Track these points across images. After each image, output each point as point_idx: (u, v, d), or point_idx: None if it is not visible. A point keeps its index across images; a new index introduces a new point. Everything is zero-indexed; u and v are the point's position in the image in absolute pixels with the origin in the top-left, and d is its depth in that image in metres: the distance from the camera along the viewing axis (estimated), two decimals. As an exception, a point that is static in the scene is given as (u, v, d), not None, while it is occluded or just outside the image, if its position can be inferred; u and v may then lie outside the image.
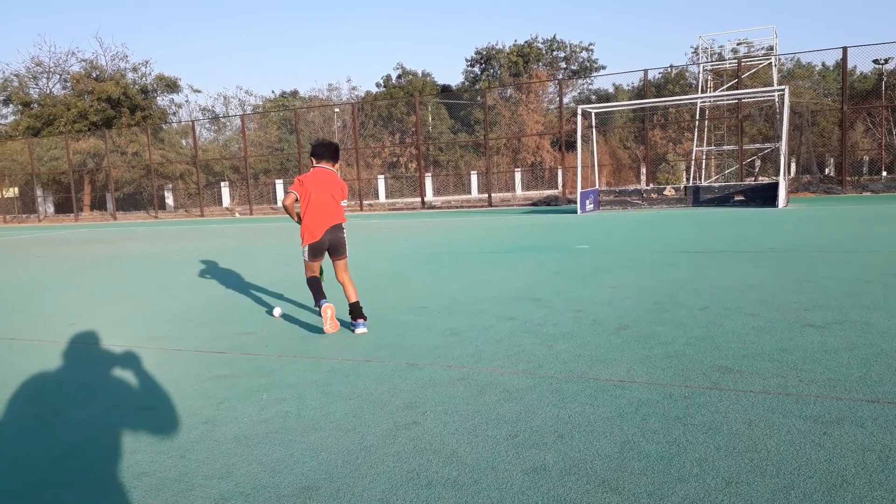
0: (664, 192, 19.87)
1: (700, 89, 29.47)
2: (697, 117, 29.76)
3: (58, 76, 44.55)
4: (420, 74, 51.59)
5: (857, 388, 3.23)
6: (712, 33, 47.61)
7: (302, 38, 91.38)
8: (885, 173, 29.63)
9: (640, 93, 35.98)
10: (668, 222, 13.89)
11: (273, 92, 53.66)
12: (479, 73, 51.25)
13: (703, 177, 29.97)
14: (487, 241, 11.89)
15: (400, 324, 5.24)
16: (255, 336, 5.10)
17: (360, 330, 5.03)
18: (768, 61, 28.67)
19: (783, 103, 18.06)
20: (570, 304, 5.60)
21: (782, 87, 18.83)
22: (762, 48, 30.78)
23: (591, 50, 50.51)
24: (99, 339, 5.25)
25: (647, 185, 25.57)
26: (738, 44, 32.47)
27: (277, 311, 5.91)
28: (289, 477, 2.60)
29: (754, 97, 24.85)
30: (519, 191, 38.63)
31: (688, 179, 31.07)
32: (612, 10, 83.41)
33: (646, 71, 26.70)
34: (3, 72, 51.93)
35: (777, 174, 18.53)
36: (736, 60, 29.39)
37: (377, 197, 38.83)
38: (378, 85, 52.30)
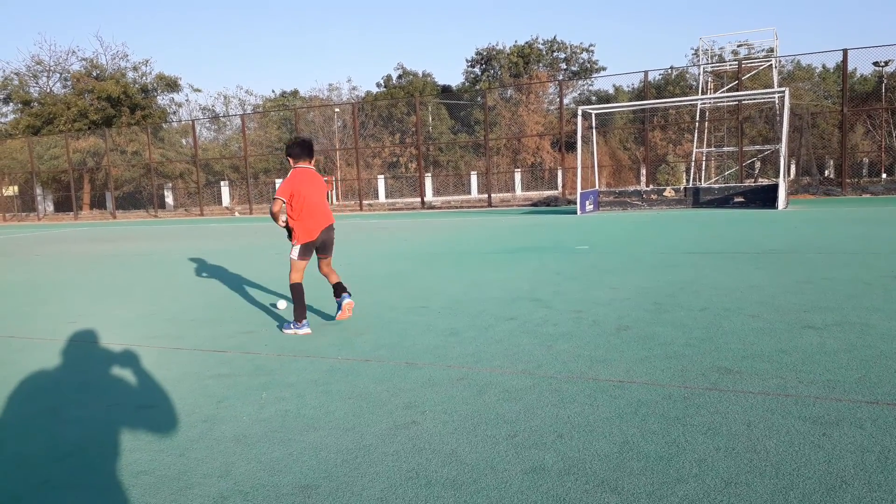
0: (664, 194, 19.88)
1: (700, 91, 29.49)
2: (697, 119, 29.77)
3: (58, 75, 44.58)
4: (420, 75, 51.61)
5: (856, 390, 3.23)
6: (713, 35, 47.56)
7: (302, 37, 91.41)
8: (884, 175, 29.63)
9: (640, 94, 36.00)
10: (667, 223, 13.90)
11: (273, 91, 53.73)
12: (479, 73, 51.27)
13: (702, 178, 29.99)
14: (487, 241, 11.89)
15: (400, 323, 5.24)
16: (255, 335, 5.10)
17: (348, 301, 5.20)
18: (769, 63, 28.70)
19: (783, 105, 18.06)
20: (570, 305, 5.60)
21: (782, 88, 18.84)
22: (762, 50, 30.79)
23: (592, 51, 50.54)
24: (98, 337, 5.25)
25: (647, 186, 25.58)
26: (738, 45, 32.52)
27: (282, 304, 6.03)
28: (288, 476, 2.60)
29: (754, 99, 24.86)
30: (519, 191, 38.64)
31: (688, 181, 31.08)
32: (612, 12, 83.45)
33: (646, 72, 26.74)
34: (4, 70, 51.95)
35: (777, 176, 18.54)
36: (736, 62, 29.39)
37: (377, 197, 38.83)
38: (378, 85, 52.34)
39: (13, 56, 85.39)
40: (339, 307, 5.21)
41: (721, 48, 34.45)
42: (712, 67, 30.35)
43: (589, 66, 50.73)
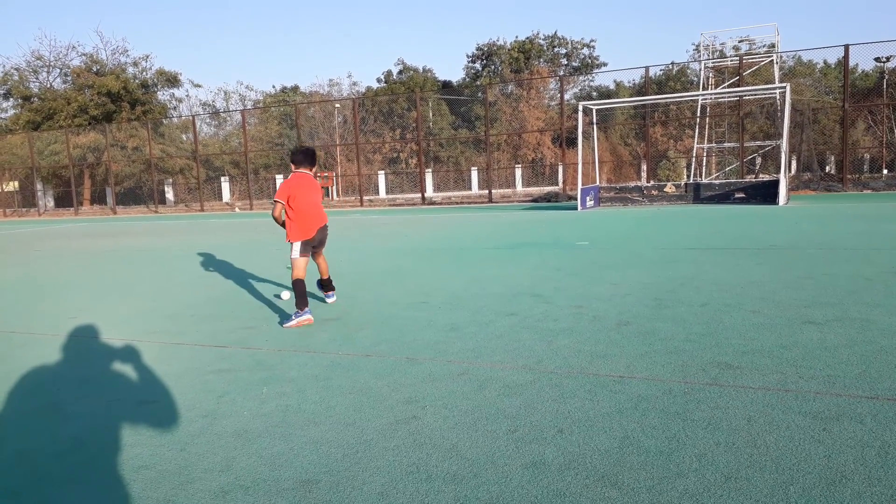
0: (665, 189, 19.87)
1: (701, 86, 29.44)
2: (698, 114, 29.74)
3: (58, 70, 44.56)
4: (421, 70, 51.57)
5: (856, 385, 3.24)
6: (714, 30, 47.55)
7: (303, 33, 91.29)
8: (885, 171, 29.62)
9: (641, 90, 35.95)
10: (668, 219, 13.89)
11: (273, 87, 53.67)
12: (480, 69, 51.19)
13: (703, 174, 29.98)
14: (488, 237, 11.89)
15: (400, 319, 5.24)
16: (256, 330, 5.11)
17: (332, 300, 6.01)
18: (770, 59, 28.64)
19: (784, 101, 18.03)
20: (571, 300, 5.60)
21: (783, 84, 18.81)
22: (764, 46, 30.73)
23: (593, 46, 50.48)
24: (99, 332, 5.26)
25: (648, 181, 25.56)
26: (739, 41, 32.42)
27: (285, 295, 6.16)
28: (289, 470, 2.61)
29: (755, 95, 24.84)
30: (519, 187, 38.63)
31: (688, 176, 31.07)
32: (613, 7, 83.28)
33: (647, 68, 26.67)
34: (4, 66, 51.91)
35: (778, 172, 18.52)
36: (737, 58, 29.34)
37: (377, 192, 38.84)
38: (379, 80, 52.28)
39: (13, 51, 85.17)
40: (325, 299, 6.05)
41: (722, 44, 34.34)
42: (713, 63, 30.29)
43: (590, 61, 50.65)
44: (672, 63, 41.29)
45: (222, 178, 40.83)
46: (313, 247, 5.58)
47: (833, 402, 3.04)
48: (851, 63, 24.03)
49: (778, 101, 25.33)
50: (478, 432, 2.89)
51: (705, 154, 30.25)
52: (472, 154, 43.07)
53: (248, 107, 47.60)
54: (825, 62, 42.99)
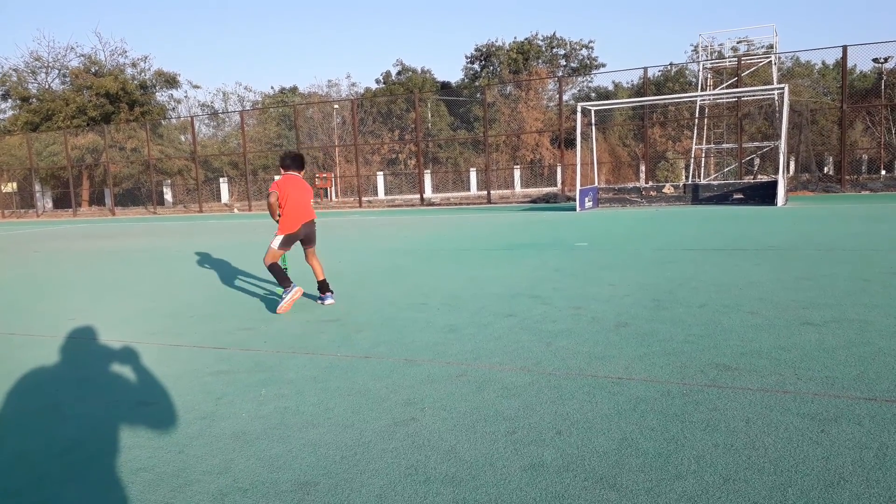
0: (663, 190, 19.88)
1: (700, 87, 29.47)
2: (697, 115, 29.77)
3: (56, 71, 44.53)
4: (420, 71, 51.58)
5: (854, 386, 3.24)
6: (712, 31, 47.63)
7: (301, 34, 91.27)
8: (883, 172, 29.67)
9: (639, 90, 35.96)
10: (667, 220, 13.90)
11: (272, 88, 53.66)
12: (478, 70, 51.22)
13: (702, 175, 29.99)
14: (487, 237, 11.89)
15: (399, 320, 5.24)
16: (254, 331, 5.11)
17: (329, 301, 6.01)
18: (768, 60, 28.67)
19: (783, 102, 18.05)
20: (569, 302, 5.60)
21: (782, 85, 18.83)
22: (762, 46, 30.77)
23: (591, 47, 50.54)
24: (98, 334, 5.25)
25: (647, 182, 25.57)
26: (737, 42, 32.45)
27: (328, 301, 6.16)
28: (287, 472, 2.61)
29: (754, 95, 24.86)
30: (518, 188, 38.65)
31: (687, 177, 31.08)
32: (612, 8, 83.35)
33: (645, 69, 26.69)
34: (2, 66, 51.78)
35: (776, 172, 18.53)
36: (736, 59, 29.38)
37: (376, 194, 38.83)
38: (378, 81, 52.31)
39: (12, 52, 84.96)
40: (322, 301, 6.03)
41: (720, 45, 34.41)
42: (712, 64, 30.32)
43: (588, 62, 50.69)
44: (670, 64, 41.33)
45: (221, 179, 40.81)
46: (303, 242, 6.02)
47: (831, 403, 3.04)
48: (849, 64, 24.09)
49: (776, 102, 25.35)
50: (476, 434, 2.89)
51: (704, 155, 30.27)
52: (470, 155, 43.09)
53: (247, 108, 47.59)
54: (823, 63, 43.10)
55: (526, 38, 49.50)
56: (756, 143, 30.52)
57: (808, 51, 60.43)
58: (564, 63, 51.07)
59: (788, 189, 20.07)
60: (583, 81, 48.97)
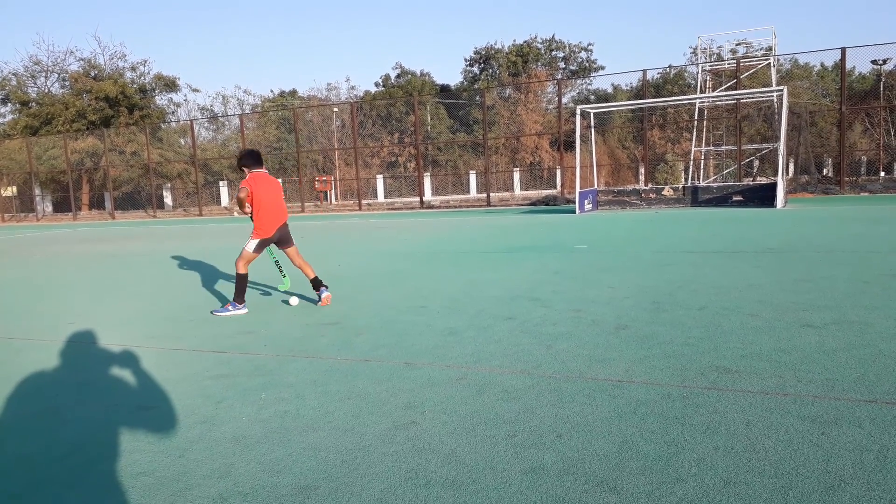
0: (663, 192, 19.89)
1: (699, 89, 29.51)
2: (696, 117, 29.79)
3: (56, 75, 44.51)
4: (419, 74, 51.61)
5: (854, 389, 3.24)
6: (711, 33, 47.59)
7: (300, 37, 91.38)
8: (882, 174, 29.67)
9: (638, 93, 35.99)
10: (666, 222, 13.91)
11: (272, 91, 53.66)
12: (477, 72, 51.26)
13: (701, 177, 30.01)
14: (486, 240, 11.89)
15: (399, 323, 5.24)
16: (254, 335, 5.10)
17: (326, 294, 6.05)
18: (767, 62, 28.71)
19: (782, 104, 18.07)
20: (569, 304, 5.60)
21: (781, 87, 18.85)
22: (761, 49, 30.82)
23: (590, 50, 50.55)
24: (98, 338, 5.25)
25: (646, 185, 25.59)
26: (736, 44, 32.53)
27: (294, 301, 6.23)
28: (287, 476, 2.60)
29: (753, 97, 24.87)
30: (517, 190, 38.65)
31: (686, 179, 31.10)
32: (611, 11, 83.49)
33: (644, 71, 26.73)
34: (2, 70, 51.82)
35: (775, 174, 18.55)
36: (734, 61, 29.42)
37: (376, 196, 38.84)
38: (377, 84, 52.34)
39: (11, 56, 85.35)
40: (320, 298, 6.04)
41: (719, 47, 34.46)
42: (710, 66, 30.36)
43: (587, 65, 50.75)
44: (669, 66, 41.31)
45: (221, 183, 40.81)
46: (280, 244, 6.11)
47: (831, 405, 3.04)
48: (848, 66, 24.11)
49: (775, 104, 25.37)
50: (477, 437, 2.89)
51: (703, 157, 30.30)
52: (470, 158, 43.10)
53: (247, 111, 47.59)
54: (822, 65, 43.13)
55: (525, 41, 49.56)
56: (755, 145, 30.55)
57: (807, 53, 60.57)
58: (563, 65, 51.13)
59: (788, 191, 20.09)
60: (582, 84, 49.04)
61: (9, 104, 44.47)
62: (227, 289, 7.48)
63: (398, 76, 51.55)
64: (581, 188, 19.54)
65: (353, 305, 6.09)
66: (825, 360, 3.71)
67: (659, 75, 41.21)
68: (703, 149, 29.73)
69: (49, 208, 42.70)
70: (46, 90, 44.11)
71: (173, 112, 46.82)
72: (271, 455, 2.81)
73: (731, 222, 12.99)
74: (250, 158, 5.94)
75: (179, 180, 40.36)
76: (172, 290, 7.77)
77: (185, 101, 63.36)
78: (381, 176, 40.47)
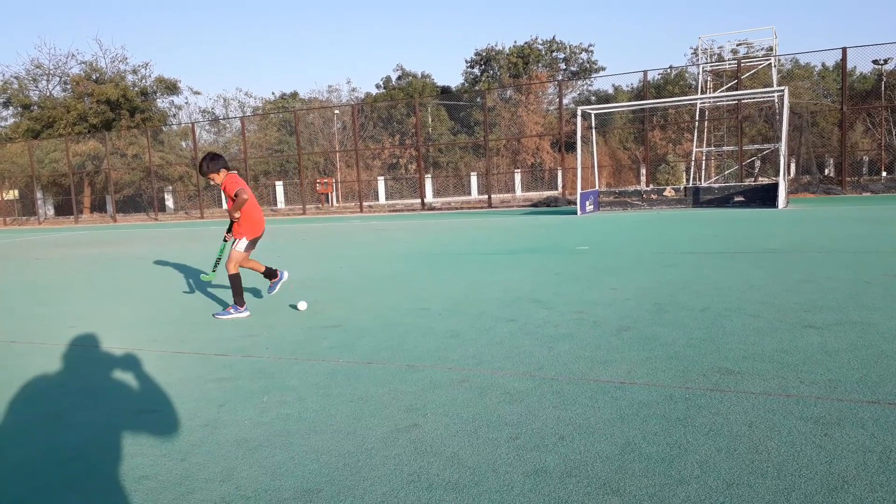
0: (664, 193, 19.88)
1: (700, 90, 29.51)
2: (697, 118, 29.79)
3: (57, 78, 44.62)
4: (420, 76, 51.66)
5: (857, 390, 3.23)
6: (712, 34, 47.59)
7: (301, 39, 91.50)
8: (884, 174, 29.64)
9: (639, 94, 36.01)
10: (668, 223, 13.90)
11: (273, 94, 53.71)
12: (478, 74, 51.30)
13: (702, 177, 30.00)
14: (488, 242, 11.89)
15: (401, 326, 5.24)
16: (256, 338, 5.10)
17: (285, 277, 6.27)
18: (768, 62, 28.72)
19: (783, 104, 18.06)
20: (571, 306, 5.60)
21: (782, 87, 18.84)
22: (762, 49, 30.82)
23: (591, 51, 50.60)
24: (100, 341, 5.25)
25: (647, 185, 25.58)
26: (737, 45, 32.52)
27: (302, 305, 6.11)
28: (290, 480, 2.60)
29: (754, 98, 24.86)
30: (519, 192, 38.65)
31: (688, 180, 31.09)
32: (611, 12, 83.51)
33: (645, 72, 26.74)
34: (3, 74, 51.99)
35: (777, 175, 18.54)
36: (735, 61, 29.41)
37: (377, 198, 38.87)
38: (378, 86, 52.40)
39: (13, 60, 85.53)
40: (276, 282, 6.19)
41: (720, 47, 34.46)
42: (711, 67, 30.37)
43: (588, 66, 50.77)
44: (670, 67, 41.34)
45: (222, 185, 40.76)
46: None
47: (834, 406, 3.04)
48: (849, 65, 24.10)
49: (776, 105, 25.37)
50: (479, 440, 2.89)
51: (704, 157, 30.29)
52: (471, 159, 43.12)
53: (248, 114, 47.66)
54: (823, 65, 43.09)
55: (526, 42, 49.59)
56: (756, 146, 30.55)
57: (808, 53, 60.56)
58: (564, 67, 51.15)
59: (789, 191, 20.06)
60: (583, 85, 49.07)
61: (10, 108, 44.58)
62: (229, 292, 7.48)
63: (399, 78, 51.61)
64: (582, 189, 19.54)
65: (355, 308, 6.09)
66: (828, 361, 3.70)
67: (660, 76, 41.23)
68: (705, 149, 29.72)
69: (51, 212, 42.76)
70: (48, 93, 44.23)
71: (175, 115, 46.93)
72: (273, 458, 2.81)
73: (732, 223, 12.97)
74: (222, 161, 5.93)
75: (181, 183, 40.42)
76: (174, 293, 7.77)
77: (187, 103, 63.28)
78: (382, 178, 40.49)
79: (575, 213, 19.32)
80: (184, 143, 43.83)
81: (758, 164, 32.05)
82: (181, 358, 4.64)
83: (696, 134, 29.95)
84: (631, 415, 3.07)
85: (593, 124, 22.54)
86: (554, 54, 50.66)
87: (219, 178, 5.88)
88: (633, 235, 11.60)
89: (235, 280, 5.93)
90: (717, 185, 19.98)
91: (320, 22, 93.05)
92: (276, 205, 39.22)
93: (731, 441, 2.72)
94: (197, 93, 65.35)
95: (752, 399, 3.18)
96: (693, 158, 30.01)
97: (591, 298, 5.89)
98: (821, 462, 2.49)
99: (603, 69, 51.08)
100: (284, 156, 40.77)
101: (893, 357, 3.72)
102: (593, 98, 47.26)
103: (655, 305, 5.43)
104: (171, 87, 45.22)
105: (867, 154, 33.49)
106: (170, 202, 41.42)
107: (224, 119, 48.38)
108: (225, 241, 6.23)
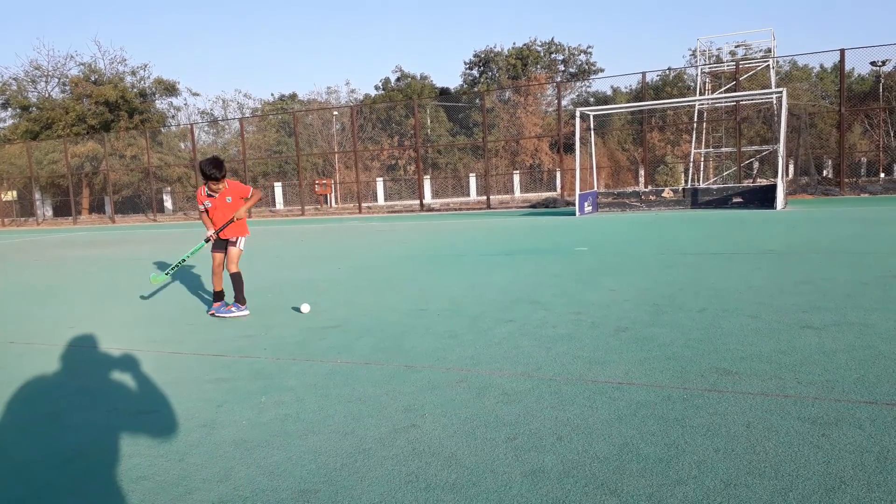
0: (663, 194, 19.89)
1: (698, 92, 29.54)
2: (695, 119, 29.82)
3: (56, 80, 44.57)
4: (419, 77, 51.67)
5: (855, 390, 3.24)
6: (710, 36, 47.67)
7: (300, 41, 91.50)
8: (882, 175, 29.68)
9: (638, 95, 36.05)
10: (666, 224, 13.91)
11: (272, 95, 53.75)
12: (477, 75, 51.33)
13: (701, 179, 30.03)
14: (486, 243, 11.89)
15: (399, 326, 5.24)
16: (254, 339, 5.10)
17: (243, 314, 6.02)
18: (766, 63, 28.76)
19: (781, 105, 18.09)
20: (569, 307, 5.60)
21: (780, 89, 18.87)
22: (760, 50, 30.87)
23: (590, 52, 50.62)
24: (98, 342, 5.25)
25: (646, 187, 25.60)
26: (735, 46, 32.59)
27: (305, 308, 6.02)
28: (287, 480, 2.60)
29: (752, 99, 24.90)
30: (517, 193, 38.67)
31: (686, 181, 31.12)
32: (610, 13, 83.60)
33: (644, 73, 26.76)
34: (2, 75, 51.95)
35: (775, 176, 18.55)
36: (734, 63, 29.45)
37: (376, 199, 38.88)
38: (377, 88, 52.40)
39: (12, 61, 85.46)
40: (220, 311, 6.03)
41: (718, 49, 34.53)
42: (710, 68, 30.40)
43: (587, 67, 50.81)
44: (669, 68, 41.38)
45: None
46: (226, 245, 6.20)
47: (832, 407, 3.04)
48: (847, 67, 24.13)
49: (775, 106, 25.41)
50: (477, 440, 2.89)
51: (703, 159, 30.32)
52: (470, 160, 43.13)
53: (246, 115, 47.64)
54: (821, 66, 43.13)
55: (524, 44, 49.61)
56: (755, 147, 30.59)
57: (806, 54, 60.65)
58: (563, 68, 51.19)
59: (787, 192, 20.09)
60: (581, 86, 49.11)
61: (9, 109, 44.53)
62: (227, 292, 7.48)
63: (398, 79, 51.62)
64: (581, 190, 19.55)
65: (353, 308, 6.09)
66: (825, 362, 3.71)
67: (658, 77, 41.26)
68: (703, 151, 29.76)
69: (49, 213, 42.72)
70: (47, 95, 44.18)
71: (173, 116, 46.92)
72: (271, 459, 2.81)
73: (730, 224, 12.99)
74: (224, 168, 5.96)
75: (179, 184, 40.39)
76: (172, 293, 7.77)
77: (185, 105, 63.23)
78: (381, 179, 40.50)
79: (573, 214, 19.33)
80: (182, 145, 43.78)
81: (756, 165, 32.09)
82: (179, 358, 4.64)
83: (694, 135, 29.98)
84: (629, 415, 3.07)
85: (592, 125, 22.56)
86: (553, 56, 50.71)
87: (224, 181, 6.04)
88: (632, 236, 11.61)
89: (238, 278, 6.07)
90: (715, 187, 20.00)
91: (319, 23, 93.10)
92: (274, 206, 39.21)
93: (728, 441, 2.72)
94: (196, 94, 65.27)
95: (749, 399, 3.19)
96: (691, 160, 30.04)
97: (590, 299, 5.89)
98: (818, 462, 2.49)
99: (601, 71, 51.15)
100: (283, 157, 40.77)
101: (891, 358, 3.72)
102: (592, 99, 47.32)
103: (653, 306, 5.43)
104: (170, 89, 45.20)
105: (865, 155, 33.54)
106: (168, 203, 41.39)
107: (223, 120, 48.36)
108: (207, 240, 6.21)
